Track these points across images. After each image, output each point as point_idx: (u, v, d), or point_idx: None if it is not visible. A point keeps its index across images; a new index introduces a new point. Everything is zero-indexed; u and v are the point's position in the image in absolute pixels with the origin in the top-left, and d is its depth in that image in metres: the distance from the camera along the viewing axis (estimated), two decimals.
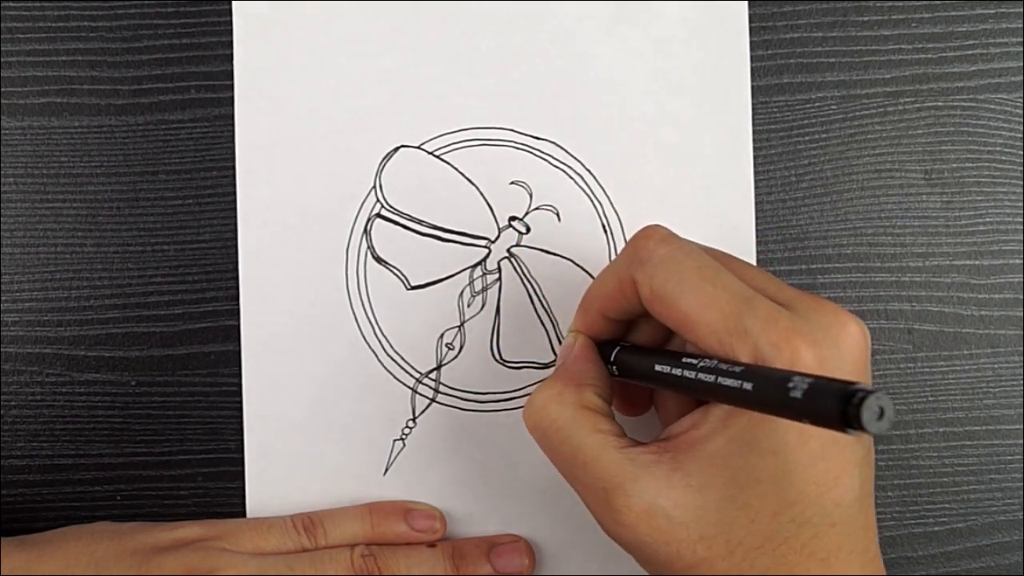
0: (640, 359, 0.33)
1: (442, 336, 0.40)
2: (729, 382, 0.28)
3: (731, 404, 0.28)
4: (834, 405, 0.23)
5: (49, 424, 0.41)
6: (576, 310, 0.36)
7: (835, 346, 0.29)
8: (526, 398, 0.40)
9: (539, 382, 0.40)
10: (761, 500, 0.29)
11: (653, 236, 0.32)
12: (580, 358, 0.34)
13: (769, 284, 0.31)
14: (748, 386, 0.27)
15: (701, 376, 0.29)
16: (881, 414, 0.23)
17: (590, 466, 0.31)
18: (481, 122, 0.41)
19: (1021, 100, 0.41)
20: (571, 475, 0.32)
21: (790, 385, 0.25)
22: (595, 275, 0.40)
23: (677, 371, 0.30)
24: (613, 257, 0.40)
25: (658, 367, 0.31)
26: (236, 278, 0.40)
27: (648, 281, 0.31)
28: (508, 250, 0.41)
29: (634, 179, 0.41)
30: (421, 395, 0.40)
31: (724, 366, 0.28)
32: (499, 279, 0.41)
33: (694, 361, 0.30)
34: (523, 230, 0.41)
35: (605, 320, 0.34)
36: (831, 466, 0.29)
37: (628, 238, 0.40)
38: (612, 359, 0.34)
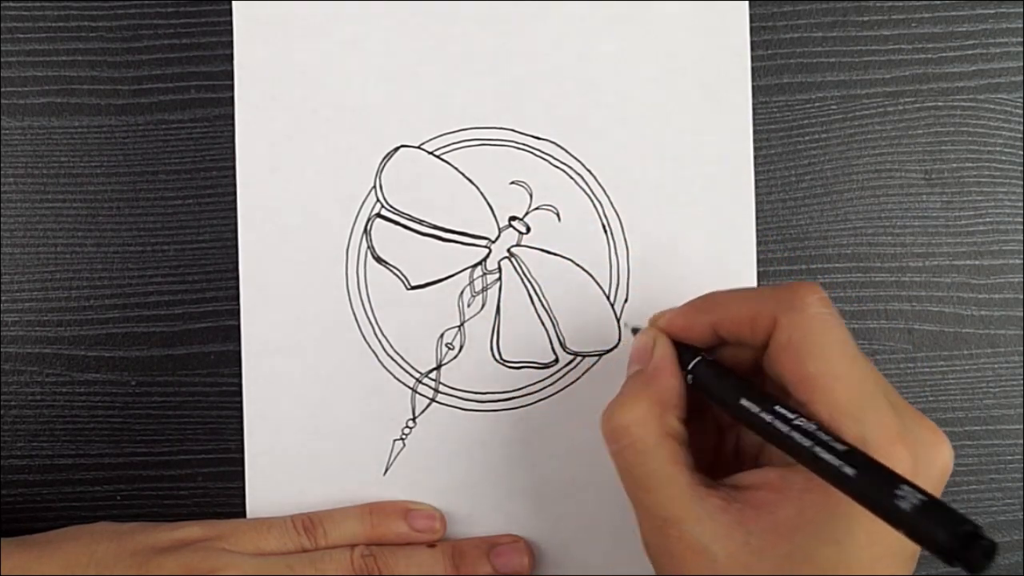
0: (725, 384, 0.32)
1: (442, 336, 0.40)
2: (828, 457, 0.27)
3: (818, 475, 0.28)
4: (944, 536, 0.23)
5: (49, 424, 0.41)
6: (681, 307, 0.35)
7: (929, 463, 0.29)
8: (526, 398, 0.40)
9: (546, 394, 0.40)
10: None
11: (813, 292, 0.31)
12: (665, 371, 0.33)
13: (887, 386, 0.31)
14: (849, 471, 0.27)
15: (795, 435, 0.29)
16: (988, 556, 0.23)
17: (657, 494, 0.31)
18: (481, 122, 0.41)
19: (1021, 100, 0.41)
20: (635, 495, 0.32)
21: (899, 492, 0.25)
22: (595, 275, 0.40)
23: (767, 416, 0.30)
24: (613, 257, 0.40)
25: (744, 402, 0.31)
26: (236, 278, 0.40)
27: (791, 329, 0.31)
28: (508, 250, 0.41)
29: (634, 179, 0.41)
30: (421, 395, 0.40)
31: (826, 437, 0.28)
32: (499, 279, 0.41)
33: (790, 415, 0.29)
34: (523, 230, 0.41)
35: (710, 333, 0.34)
36: (884, 572, 0.29)
37: (627, 238, 0.40)
38: (690, 368, 0.33)
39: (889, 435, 0.29)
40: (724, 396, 0.32)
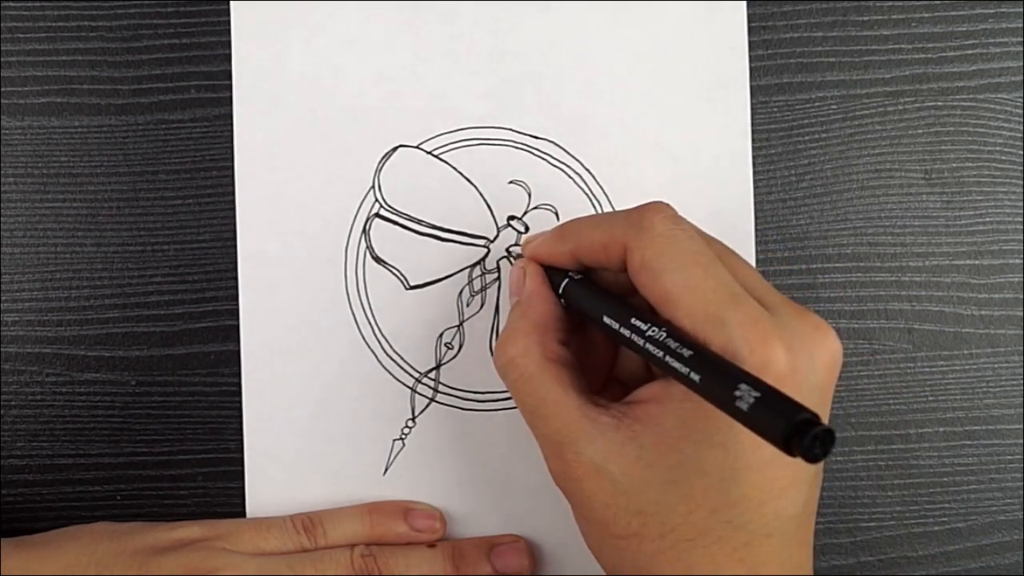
0: (591, 300, 0.33)
1: (441, 336, 0.40)
2: (676, 364, 0.27)
3: (677, 381, 0.28)
4: (779, 426, 0.23)
5: (49, 424, 0.41)
6: (545, 235, 0.35)
7: (810, 357, 0.29)
8: None
9: None
10: (703, 493, 0.29)
11: (660, 211, 0.32)
12: (537, 297, 0.34)
13: (759, 286, 0.31)
14: (695, 377, 0.27)
15: (649, 347, 0.29)
16: (823, 444, 0.23)
17: (550, 419, 0.31)
18: (480, 122, 0.41)
19: (1021, 100, 0.41)
20: (532, 424, 0.33)
21: (737, 393, 0.25)
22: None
23: (625, 331, 0.30)
24: None
25: (607, 319, 0.31)
26: (236, 278, 0.40)
27: (642, 251, 0.31)
28: (507, 249, 0.41)
29: (633, 179, 0.41)
30: (420, 395, 0.40)
31: (673, 344, 0.28)
32: (498, 279, 0.41)
33: (643, 327, 0.29)
34: (522, 229, 0.41)
35: (573, 260, 0.34)
36: (779, 476, 0.29)
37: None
38: (560, 290, 0.34)
39: (759, 334, 0.28)
40: (591, 314, 0.33)
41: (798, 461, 0.23)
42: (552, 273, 0.35)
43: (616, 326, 0.31)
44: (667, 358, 0.28)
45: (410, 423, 0.40)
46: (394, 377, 0.40)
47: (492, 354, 0.40)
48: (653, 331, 0.29)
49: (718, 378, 0.26)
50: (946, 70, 0.41)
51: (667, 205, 0.32)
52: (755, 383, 0.25)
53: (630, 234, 0.32)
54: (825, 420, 0.29)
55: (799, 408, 0.23)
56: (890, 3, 0.41)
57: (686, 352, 0.27)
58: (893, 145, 0.41)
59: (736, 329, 0.28)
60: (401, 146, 0.41)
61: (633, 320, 0.30)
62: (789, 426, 0.23)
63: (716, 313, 0.29)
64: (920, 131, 0.41)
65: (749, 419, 0.24)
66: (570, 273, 0.34)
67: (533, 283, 0.35)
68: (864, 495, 0.41)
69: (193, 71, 0.41)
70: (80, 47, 0.41)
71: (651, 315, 0.31)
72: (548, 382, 0.32)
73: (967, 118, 0.41)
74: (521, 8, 0.41)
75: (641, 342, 0.29)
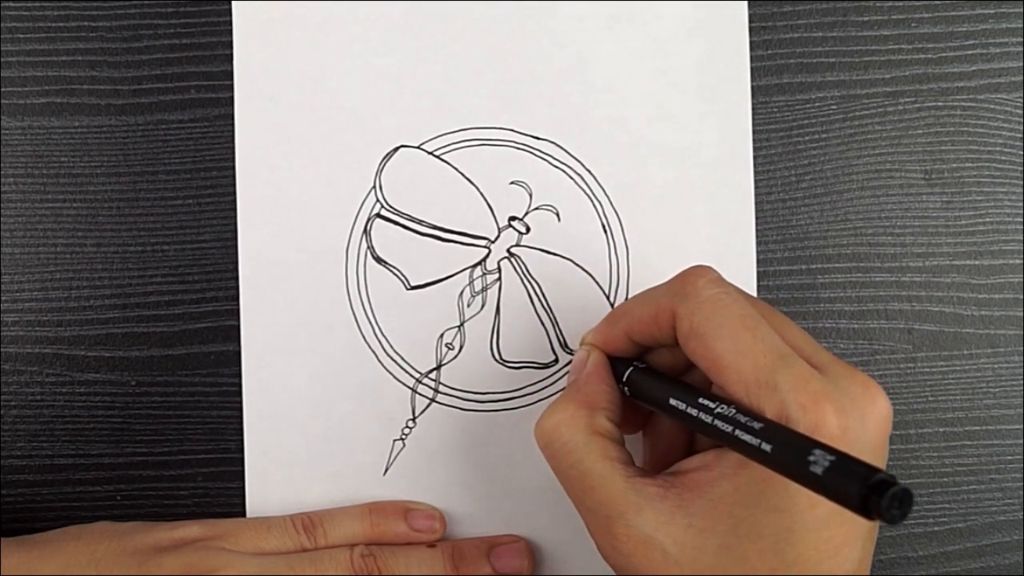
0: (655, 386, 0.33)
1: (442, 336, 0.40)
2: (747, 437, 0.28)
3: (744, 453, 0.28)
4: (855, 490, 0.23)
5: (49, 424, 0.41)
6: (599, 323, 0.36)
7: (861, 418, 0.29)
8: (526, 398, 0.40)
9: (546, 394, 0.40)
10: (759, 556, 0.29)
11: (704, 275, 0.32)
12: (594, 377, 0.34)
13: (806, 345, 0.31)
14: (767, 447, 0.27)
15: (717, 423, 0.29)
16: (901, 504, 0.23)
17: (596, 492, 0.31)
18: (481, 122, 0.41)
19: (1021, 100, 0.41)
20: (576, 497, 0.32)
21: (811, 459, 0.25)
22: (595, 275, 0.40)
23: (693, 411, 0.30)
24: (613, 257, 0.40)
25: (673, 401, 0.31)
26: (236, 278, 0.40)
27: (689, 317, 0.31)
28: (508, 250, 0.41)
29: (634, 179, 0.41)
30: (421, 395, 0.40)
31: (743, 419, 0.28)
32: (499, 279, 0.41)
33: (711, 405, 0.30)
34: (523, 230, 0.41)
35: (629, 341, 0.34)
36: (835, 535, 0.29)
37: (627, 238, 0.40)
38: (625, 379, 0.34)
39: (811, 396, 0.28)
40: (655, 400, 0.33)
41: (854, 519, 0.24)
42: (616, 363, 0.35)
43: (683, 407, 0.31)
44: (736, 432, 0.28)
45: (410, 423, 0.40)
46: (394, 377, 0.40)
47: (492, 355, 0.40)
48: (722, 408, 0.29)
49: (791, 447, 0.26)
50: (946, 70, 0.41)
51: (710, 268, 0.32)
52: (828, 449, 0.25)
53: (676, 301, 0.32)
54: None
55: (874, 469, 0.24)
56: (890, 3, 0.41)
57: (757, 425, 0.28)
58: (893, 145, 0.41)
59: (789, 393, 0.28)
60: (402, 146, 0.40)
61: (701, 399, 0.30)
62: (865, 488, 0.23)
63: (768, 378, 0.29)
64: (920, 131, 0.41)
65: (824, 484, 0.25)
66: (635, 363, 0.34)
67: (594, 366, 0.35)
68: None
69: (193, 71, 0.41)
70: (80, 47, 0.41)
71: (715, 395, 0.31)
72: (594, 453, 0.32)
73: (967, 118, 0.41)
74: (522, 8, 0.41)
75: (710, 419, 0.29)
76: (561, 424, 0.33)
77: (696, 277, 0.32)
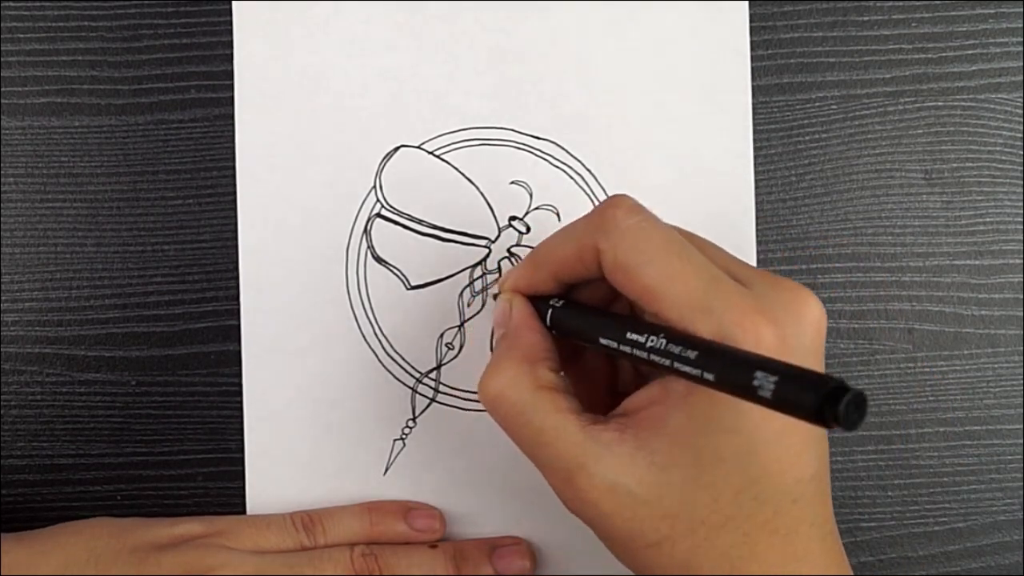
0: (582, 324, 0.32)
1: (442, 336, 0.40)
2: (687, 368, 0.27)
3: (689, 381, 0.28)
4: (810, 402, 0.23)
5: (49, 424, 0.41)
6: (520, 266, 0.35)
7: (796, 323, 0.29)
8: None
9: None
10: (725, 479, 0.29)
11: (621, 206, 0.31)
12: (525, 327, 0.34)
13: (731, 263, 0.31)
14: (709, 376, 0.27)
15: (653, 357, 0.29)
16: (858, 408, 0.23)
17: (552, 447, 0.31)
18: (481, 122, 0.41)
19: (1021, 100, 0.41)
20: (533, 456, 0.32)
21: (755, 383, 0.25)
22: None
23: (625, 348, 0.30)
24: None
25: (603, 340, 0.31)
26: (236, 278, 0.40)
27: (613, 250, 0.31)
28: (508, 250, 0.41)
29: (634, 179, 0.41)
30: (421, 395, 0.40)
31: (677, 349, 0.28)
32: (499, 279, 0.41)
33: (640, 339, 0.29)
34: (523, 230, 0.41)
35: (554, 281, 0.34)
36: (793, 443, 0.29)
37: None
38: (548, 320, 0.33)
39: (744, 312, 0.28)
40: (585, 336, 0.32)
41: (806, 425, 0.23)
42: (537, 303, 0.34)
43: (615, 344, 0.30)
44: (675, 364, 0.28)
45: (411, 423, 0.40)
46: (395, 377, 0.40)
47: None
48: (653, 340, 0.29)
49: (733, 371, 0.26)
50: (946, 70, 0.41)
51: (626, 197, 0.32)
52: (771, 366, 0.25)
53: (598, 236, 0.31)
54: None
55: (824, 379, 0.23)
56: (890, 3, 0.41)
57: (692, 354, 0.27)
58: (893, 145, 0.41)
59: (724, 314, 0.28)
60: (402, 146, 0.41)
61: (629, 335, 0.30)
62: (819, 399, 0.23)
63: (701, 301, 0.29)
64: (920, 131, 0.41)
65: (775, 404, 0.24)
66: (552, 301, 0.34)
67: (520, 314, 0.34)
68: (864, 495, 0.41)
69: (193, 71, 0.41)
70: (80, 47, 0.41)
71: (644, 323, 0.30)
72: (543, 410, 0.31)
73: (967, 118, 0.41)
74: (522, 8, 0.41)
75: (644, 355, 0.29)
76: (505, 387, 0.32)
77: (614, 208, 0.31)
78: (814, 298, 0.30)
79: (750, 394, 0.25)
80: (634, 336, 0.29)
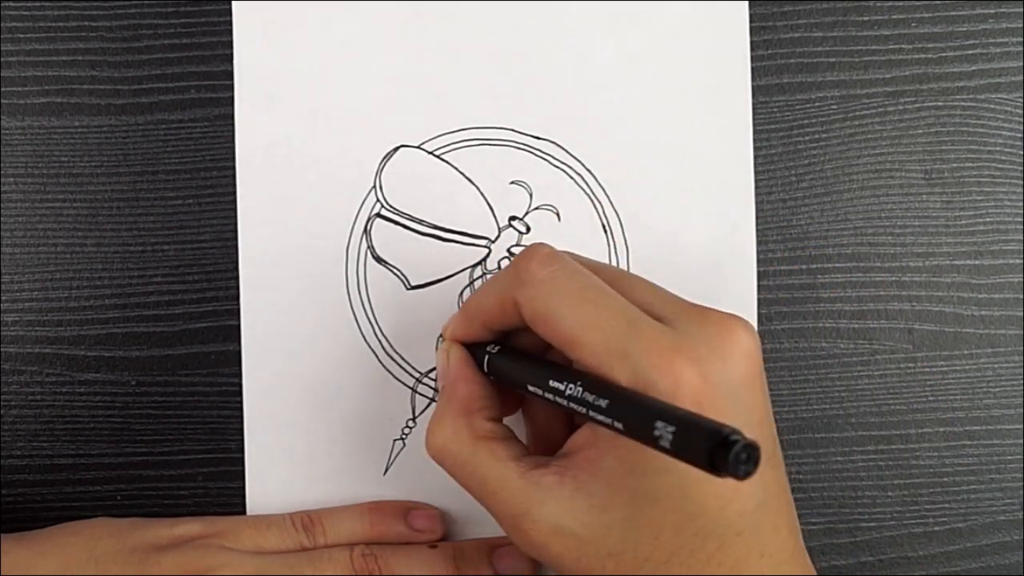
0: (513, 371, 0.33)
1: (442, 336, 0.40)
2: (600, 417, 0.28)
3: (607, 429, 0.28)
4: (701, 453, 0.23)
5: (49, 424, 0.41)
6: (455, 317, 0.36)
7: (720, 360, 0.29)
8: None
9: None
10: (662, 518, 0.29)
11: (534, 257, 0.32)
12: (460, 379, 0.34)
13: (655, 300, 0.31)
14: (619, 425, 0.27)
15: (572, 405, 0.29)
16: (749, 459, 0.23)
17: (497, 495, 0.31)
18: (481, 122, 0.41)
19: (1021, 100, 0.41)
20: (482, 503, 0.33)
21: (656, 433, 0.25)
22: None
23: (549, 395, 0.30)
24: (613, 257, 0.41)
25: (531, 388, 0.32)
26: (236, 278, 0.40)
27: (530, 303, 0.31)
28: (508, 250, 0.41)
29: (634, 179, 0.41)
30: (421, 395, 0.40)
31: (591, 398, 0.28)
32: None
33: (560, 386, 0.30)
34: (523, 230, 0.41)
35: (487, 331, 0.35)
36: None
37: (627, 238, 0.40)
38: (485, 364, 0.34)
39: (662, 354, 0.28)
40: (515, 384, 0.33)
41: None
42: (475, 350, 0.35)
43: (540, 391, 0.31)
44: (590, 413, 0.28)
45: (411, 423, 0.40)
46: (395, 377, 0.40)
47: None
48: (571, 389, 0.29)
49: (637, 421, 0.26)
50: (946, 70, 0.41)
51: (542, 246, 0.32)
52: (669, 416, 0.25)
53: (515, 289, 0.32)
54: (762, 417, 0.30)
55: (716, 429, 0.23)
56: (890, 3, 0.41)
57: (603, 403, 0.28)
58: (893, 145, 0.41)
59: (641, 358, 0.28)
60: (402, 146, 0.41)
61: (551, 382, 0.30)
62: (709, 451, 0.23)
63: (618, 346, 0.29)
64: (920, 131, 0.41)
65: (674, 453, 0.25)
66: (488, 347, 0.34)
67: (456, 365, 0.35)
68: (864, 495, 0.41)
69: (193, 71, 0.41)
70: (80, 47, 0.41)
71: (567, 370, 0.31)
72: (484, 461, 0.32)
73: (967, 118, 0.41)
74: (522, 8, 0.41)
75: (565, 402, 0.30)
76: (447, 441, 0.33)
77: (528, 261, 0.32)
78: (744, 328, 0.30)
79: (653, 443, 0.25)
80: (555, 384, 0.30)
